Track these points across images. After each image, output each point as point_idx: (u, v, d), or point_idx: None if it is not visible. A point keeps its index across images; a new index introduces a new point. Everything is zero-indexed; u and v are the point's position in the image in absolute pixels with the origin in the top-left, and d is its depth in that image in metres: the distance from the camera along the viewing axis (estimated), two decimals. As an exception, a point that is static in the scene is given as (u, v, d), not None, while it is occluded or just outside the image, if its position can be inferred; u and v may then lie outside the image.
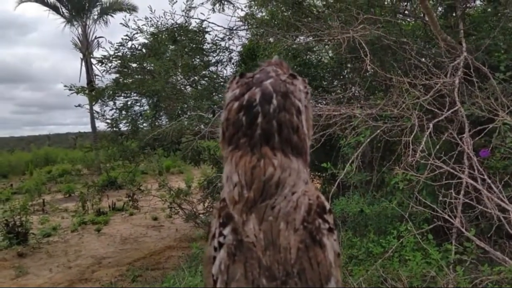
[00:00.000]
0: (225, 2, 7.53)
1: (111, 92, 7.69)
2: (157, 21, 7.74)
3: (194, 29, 7.83)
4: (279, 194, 0.83)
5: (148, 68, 7.74)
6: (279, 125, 0.84)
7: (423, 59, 5.28)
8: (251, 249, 0.83)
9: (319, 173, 8.15)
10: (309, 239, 0.85)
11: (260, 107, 0.84)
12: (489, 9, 5.52)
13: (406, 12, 6.24)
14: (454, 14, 5.60)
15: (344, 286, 3.76)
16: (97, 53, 24.17)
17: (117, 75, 7.91)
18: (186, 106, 7.38)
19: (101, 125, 8.49)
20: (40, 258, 8.28)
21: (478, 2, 6.02)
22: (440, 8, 6.01)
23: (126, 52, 7.83)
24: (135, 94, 7.79)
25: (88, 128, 21.50)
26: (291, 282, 0.82)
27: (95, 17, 23.02)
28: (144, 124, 7.84)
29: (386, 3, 6.30)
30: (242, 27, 7.88)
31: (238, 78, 0.92)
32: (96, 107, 8.21)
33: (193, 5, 7.68)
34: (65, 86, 7.74)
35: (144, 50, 7.82)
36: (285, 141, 0.84)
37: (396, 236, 3.87)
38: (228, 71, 8.30)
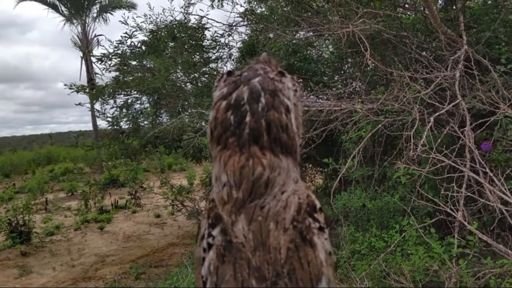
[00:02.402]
0: (224, -2, 7.49)
1: (111, 90, 7.69)
2: (156, 18, 7.75)
3: (194, 25, 7.81)
4: (268, 193, 0.82)
5: (148, 65, 7.73)
6: (268, 124, 0.82)
7: (424, 53, 5.26)
8: (240, 249, 0.82)
9: (321, 169, 8.16)
10: (299, 238, 0.84)
11: (248, 106, 0.83)
12: (489, 2, 5.50)
13: (406, 5, 6.21)
14: (454, 7, 5.58)
15: (347, 281, 3.77)
16: (97, 51, 24.19)
17: (117, 73, 7.91)
18: (186, 103, 7.38)
19: (102, 124, 8.51)
20: (43, 257, 8.30)
21: (478, -5, 6.00)
22: (440, 1, 5.99)
23: (126, 50, 7.83)
24: (135, 92, 7.79)
25: (89, 127, 21.61)
26: (281, 283, 0.81)
27: (94, 15, 23.01)
28: (145, 122, 7.85)
29: (386, -4, 6.28)
30: (242, 23, 7.85)
31: (226, 77, 0.91)
32: (97, 106, 8.21)
33: (192, 2, 7.66)
34: (65, 85, 7.75)
35: (143, 48, 7.81)
36: (274, 140, 0.83)
37: (398, 231, 3.88)
38: (228, 67, 8.30)
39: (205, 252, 0.87)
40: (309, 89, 6.49)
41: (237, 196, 0.82)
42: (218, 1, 7.47)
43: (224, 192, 0.84)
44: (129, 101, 7.88)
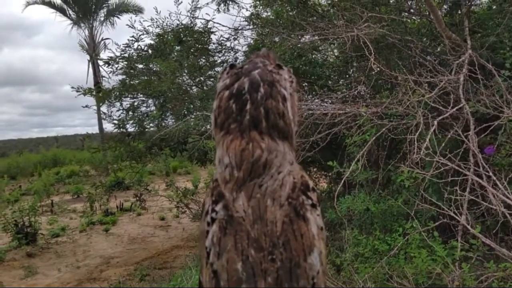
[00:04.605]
0: (230, 2, 7.54)
1: (118, 93, 7.74)
2: (163, 22, 7.79)
3: (200, 29, 7.85)
4: (266, 173, 0.91)
5: (154, 69, 7.78)
6: (266, 111, 0.91)
7: (428, 57, 5.27)
8: (240, 223, 0.91)
9: (325, 172, 8.15)
10: (293, 213, 0.92)
11: (248, 95, 0.91)
12: (494, 7, 5.50)
13: (411, 10, 6.23)
14: (459, 12, 5.59)
15: (350, 283, 3.78)
16: (104, 55, 24.33)
17: (124, 76, 7.96)
18: (192, 106, 7.42)
19: (108, 126, 8.55)
20: (49, 258, 8.36)
21: (483, 0, 6.01)
22: (445, 6, 6.00)
23: (132, 53, 7.88)
24: (141, 95, 7.83)
25: (95, 130, 21.68)
26: (277, 253, 0.90)
27: (102, 19, 23.19)
28: (151, 125, 7.88)
29: (391, 1, 6.30)
30: (247, 27, 7.88)
31: (229, 69, 0.99)
32: (103, 108, 8.27)
33: (198, 6, 7.71)
34: (72, 87, 7.83)
35: (150, 51, 7.86)
36: (272, 126, 0.91)
37: (401, 234, 3.88)
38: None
39: (209, 225, 0.95)
40: (314, 92, 6.50)
41: (238, 176, 0.91)
42: (224, 5, 7.53)
43: (227, 172, 0.93)
44: (135, 104, 7.93)
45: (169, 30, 7.80)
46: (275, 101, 0.92)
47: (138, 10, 21.16)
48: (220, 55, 8.17)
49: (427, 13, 5.59)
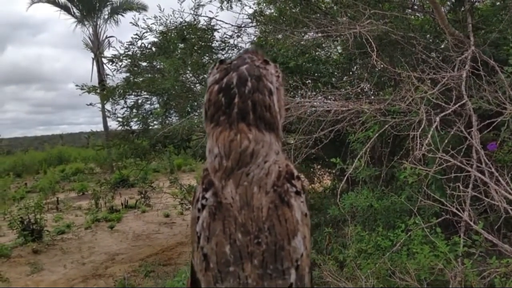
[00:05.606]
0: (233, 0, 7.54)
1: (122, 91, 7.77)
2: (166, 19, 7.78)
3: (203, 27, 7.85)
4: (253, 163, 0.96)
5: (158, 66, 7.80)
6: (253, 104, 0.96)
7: (432, 54, 5.27)
8: (228, 209, 0.97)
9: (329, 169, 8.17)
10: (278, 200, 0.98)
11: (237, 89, 0.96)
12: (497, 3, 5.49)
13: (415, 6, 6.22)
14: (462, 8, 5.57)
15: (352, 279, 3.80)
16: (108, 53, 24.33)
17: (128, 74, 7.99)
18: (195, 103, 7.43)
19: (112, 124, 8.60)
20: (54, 254, 8.43)
21: (486, -4, 5.99)
22: (448, 2, 5.99)
23: (136, 51, 7.89)
24: (145, 93, 7.85)
25: (100, 127, 21.64)
26: (262, 236, 0.96)
27: (106, 16, 23.22)
28: (155, 122, 7.91)
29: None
30: (251, 24, 7.88)
31: (218, 65, 1.05)
32: (108, 106, 8.30)
33: (201, 3, 7.71)
34: (76, 85, 7.87)
35: (153, 49, 7.87)
36: (258, 118, 0.96)
37: (404, 230, 3.90)
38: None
39: (200, 212, 1.01)
40: (317, 89, 6.50)
41: (226, 165, 0.96)
42: (227, 2, 7.53)
43: (216, 162, 0.98)
44: (139, 101, 7.95)
45: (173, 27, 7.80)
46: (262, 94, 0.97)
47: (141, 8, 21.17)
48: (223, 53, 8.17)
49: (430, 10, 5.58)
